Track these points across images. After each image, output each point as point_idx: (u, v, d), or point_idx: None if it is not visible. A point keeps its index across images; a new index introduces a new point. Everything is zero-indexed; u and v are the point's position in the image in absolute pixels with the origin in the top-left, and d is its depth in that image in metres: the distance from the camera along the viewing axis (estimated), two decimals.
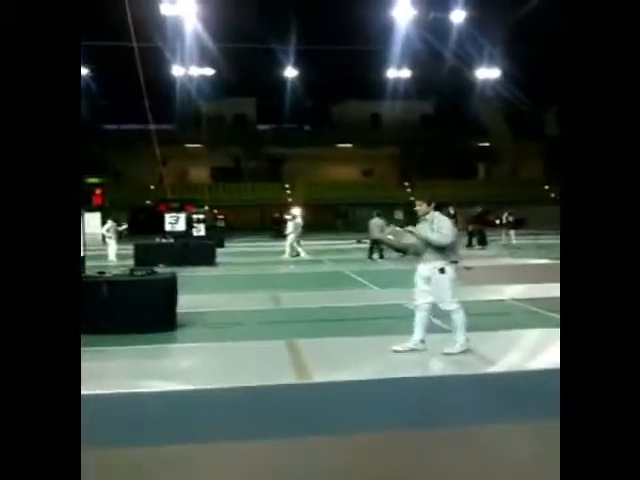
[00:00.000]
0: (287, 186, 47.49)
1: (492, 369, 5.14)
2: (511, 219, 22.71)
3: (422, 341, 5.57)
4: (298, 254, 18.02)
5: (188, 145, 45.50)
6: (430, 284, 5.49)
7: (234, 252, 21.14)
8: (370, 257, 16.20)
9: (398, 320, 7.48)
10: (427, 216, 5.58)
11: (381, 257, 16.10)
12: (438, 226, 5.46)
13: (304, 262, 17.26)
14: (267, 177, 48.97)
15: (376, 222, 16.24)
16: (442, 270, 5.40)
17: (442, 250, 5.45)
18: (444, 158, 49.36)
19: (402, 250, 6.53)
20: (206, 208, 28.89)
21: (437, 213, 5.59)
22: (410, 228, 5.68)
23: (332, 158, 49.67)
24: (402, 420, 3.91)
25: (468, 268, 11.40)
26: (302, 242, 18.84)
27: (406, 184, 48.63)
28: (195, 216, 19.44)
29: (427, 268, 5.49)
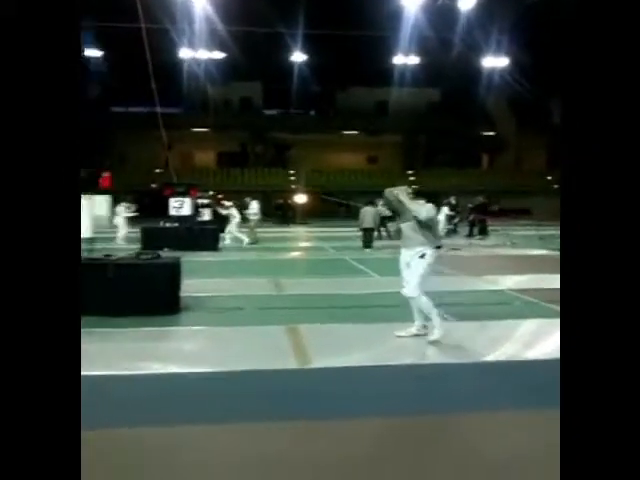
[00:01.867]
0: (291, 172, 47.42)
1: (489, 358, 5.21)
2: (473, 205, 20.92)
3: (424, 326, 5.67)
4: (256, 241, 17.80)
5: (194, 129, 45.45)
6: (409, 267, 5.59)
7: (236, 237, 21.14)
8: (368, 246, 15.74)
9: (398, 308, 7.58)
10: (405, 210, 5.66)
11: (368, 247, 15.49)
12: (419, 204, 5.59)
13: (307, 249, 17.31)
14: (272, 163, 48.91)
15: (369, 210, 15.81)
16: (422, 255, 5.50)
17: (424, 234, 5.53)
18: (449, 147, 49.19)
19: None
20: (210, 193, 28.81)
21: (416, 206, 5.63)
22: (402, 198, 5.65)
23: (337, 145, 49.54)
24: (393, 406, 4.00)
25: (456, 249, 11.48)
26: (302, 228, 18.81)
27: (409, 172, 48.54)
28: (200, 201, 19.45)
29: (409, 254, 5.59)
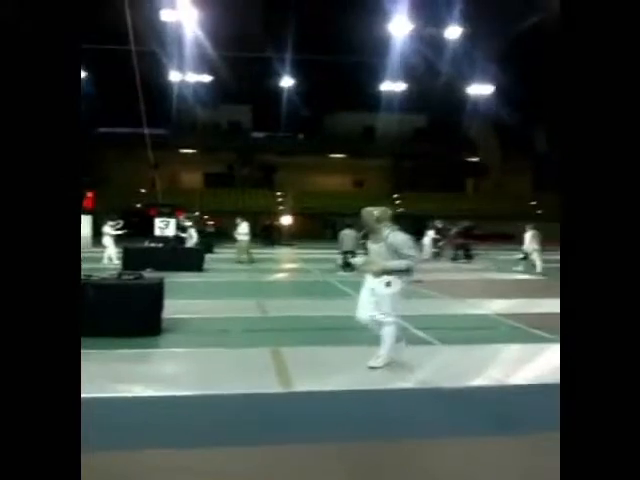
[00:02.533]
0: (279, 194, 47.56)
1: (470, 383, 5.16)
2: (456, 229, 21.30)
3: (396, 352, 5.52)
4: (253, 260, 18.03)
5: (182, 150, 45.53)
6: (374, 295, 5.39)
7: (223, 258, 21.08)
8: (348, 269, 15.56)
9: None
10: (379, 231, 5.36)
11: (349, 269, 15.15)
12: (400, 246, 5.23)
13: (292, 270, 17.25)
14: (259, 184, 49.04)
15: (347, 233, 15.79)
16: (388, 284, 5.27)
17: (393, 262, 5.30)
18: (434, 171, 49.66)
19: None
20: (197, 214, 28.78)
21: (390, 230, 5.34)
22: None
23: (324, 168, 50.01)
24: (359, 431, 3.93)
25: (419, 281, 11.39)
26: (288, 250, 18.81)
27: (395, 196, 48.84)
28: (186, 223, 19.50)
29: (374, 280, 5.36)
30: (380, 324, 5.41)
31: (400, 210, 45.23)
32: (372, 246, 5.47)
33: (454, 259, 20.40)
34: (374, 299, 5.40)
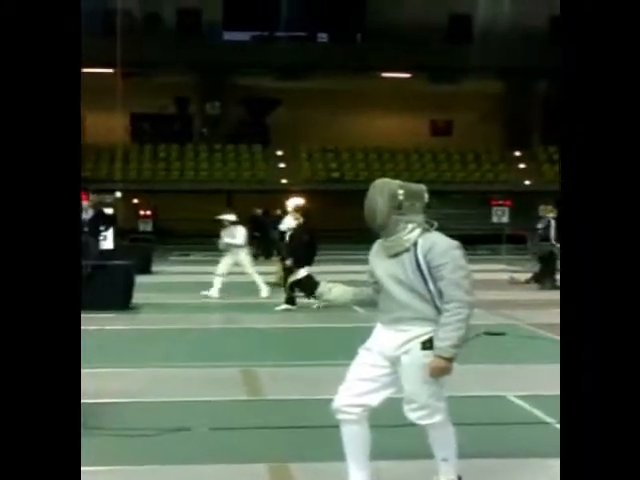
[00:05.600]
0: (280, 154, 47.77)
1: None
2: None
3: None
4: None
5: (87, 70, 45.88)
6: (396, 367, 5.24)
7: (170, 283, 21.31)
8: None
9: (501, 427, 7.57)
10: (398, 231, 5.19)
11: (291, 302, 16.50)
12: (442, 262, 5.07)
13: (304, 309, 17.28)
14: (241, 136, 49.36)
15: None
16: (428, 345, 5.00)
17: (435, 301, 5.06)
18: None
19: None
20: (118, 195, 28.97)
21: (421, 231, 5.17)
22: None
23: (371, 100, 49.93)
24: None
25: (497, 334, 11.50)
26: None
27: (517, 154, 48.82)
28: (99, 210, 19.77)
29: (399, 338, 5.18)
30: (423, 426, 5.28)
31: (526, 182, 45.28)
32: (380, 265, 5.33)
33: None
34: (390, 374, 5.25)
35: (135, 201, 40.23)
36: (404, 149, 48.89)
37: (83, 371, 8.94)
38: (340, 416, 5.19)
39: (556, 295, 19.03)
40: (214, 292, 18.17)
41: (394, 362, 5.11)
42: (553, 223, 20.67)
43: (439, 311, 4.99)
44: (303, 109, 48.65)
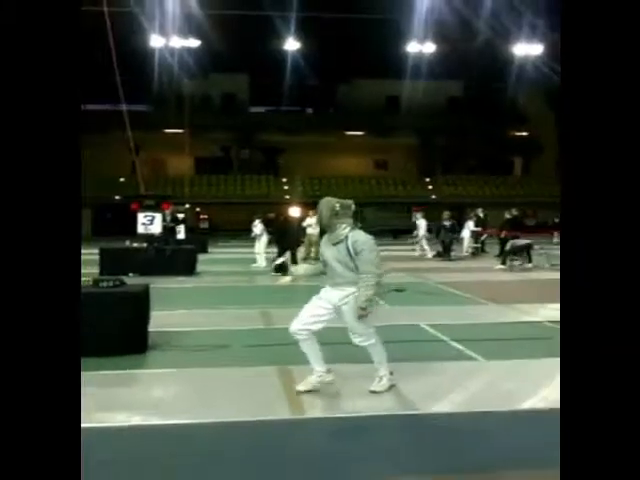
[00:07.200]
0: (284, 180, 47.65)
1: (521, 405, 5.18)
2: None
3: (328, 371, 5.52)
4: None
5: (167, 130, 45.60)
6: (338, 312, 5.34)
7: (219, 259, 21.22)
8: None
9: (416, 343, 7.59)
10: (337, 229, 5.28)
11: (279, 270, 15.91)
12: (362, 251, 5.16)
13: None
14: (261, 170, 49.14)
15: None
16: (360, 316, 5.19)
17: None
18: (473, 150, 49.39)
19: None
20: (187, 206, 28.98)
21: (351, 229, 5.28)
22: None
23: (339, 148, 49.84)
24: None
25: (399, 290, 11.56)
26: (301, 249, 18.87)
27: (427, 180, 48.76)
28: (175, 215, 19.72)
29: (337, 295, 5.29)
30: (366, 346, 5.40)
31: (432, 197, 45.21)
32: (327, 250, 5.36)
33: (500, 255, 20.36)
34: (328, 313, 5.36)
35: (197, 209, 40.11)
36: (358, 177, 48.74)
37: (166, 312, 9.03)
38: (295, 336, 5.38)
39: (449, 264, 19.06)
40: (261, 263, 18.29)
41: (336, 308, 5.28)
42: (449, 222, 20.95)
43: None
44: (298, 154, 48.42)
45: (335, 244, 5.26)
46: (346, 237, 5.22)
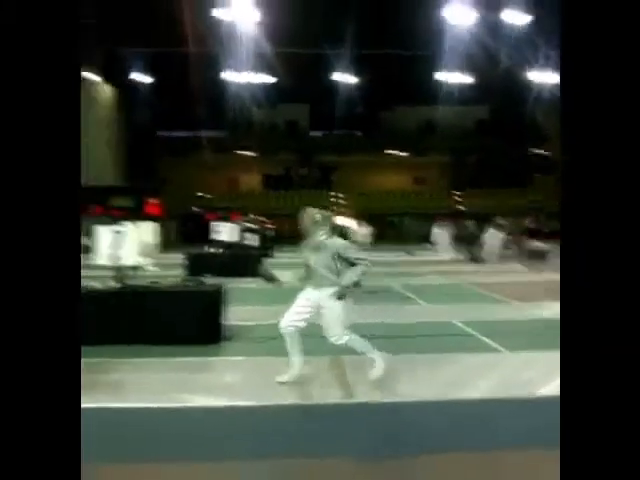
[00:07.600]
0: (333, 194, 47.49)
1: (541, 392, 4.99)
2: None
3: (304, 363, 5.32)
4: None
5: (240, 152, 46.15)
6: (318, 312, 5.14)
7: (285, 263, 21.26)
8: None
9: (442, 338, 7.42)
10: (316, 236, 5.16)
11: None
12: (346, 252, 5.07)
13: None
14: (317, 185, 49.15)
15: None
16: (340, 297, 5.04)
17: (338, 273, 5.06)
18: (499, 166, 48.44)
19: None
20: (252, 216, 29.07)
21: (328, 236, 5.14)
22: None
23: (383, 166, 49.50)
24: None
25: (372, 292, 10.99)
26: None
27: (458, 193, 47.92)
28: (247, 225, 19.84)
29: (318, 294, 5.12)
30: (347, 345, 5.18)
31: (461, 207, 44.43)
32: (311, 256, 5.19)
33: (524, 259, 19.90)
34: (308, 310, 5.17)
35: (263, 219, 40.40)
36: (400, 191, 48.35)
37: (238, 308, 9.01)
38: (282, 331, 5.21)
39: (477, 267, 18.52)
40: None
41: (316, 307, 5.11)
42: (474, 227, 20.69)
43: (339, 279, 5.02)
44: (349, 172, 48.38)
45: (318, 250, 5.13)
46: (325, 244, 5.11)
